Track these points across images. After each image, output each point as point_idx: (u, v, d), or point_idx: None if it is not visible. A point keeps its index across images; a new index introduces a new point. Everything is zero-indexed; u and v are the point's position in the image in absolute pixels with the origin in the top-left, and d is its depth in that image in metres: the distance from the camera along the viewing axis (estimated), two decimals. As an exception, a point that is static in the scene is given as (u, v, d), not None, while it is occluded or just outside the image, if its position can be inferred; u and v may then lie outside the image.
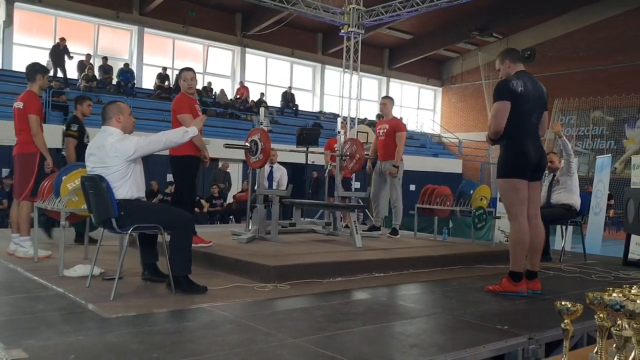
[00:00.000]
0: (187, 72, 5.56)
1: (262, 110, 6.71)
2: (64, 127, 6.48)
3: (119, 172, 3.82)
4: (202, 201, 13.48)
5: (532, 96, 4.32)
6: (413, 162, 18.59)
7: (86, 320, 3.24)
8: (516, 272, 4.36)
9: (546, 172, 6.89)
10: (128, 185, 3.86)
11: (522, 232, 4.31)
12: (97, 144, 3.89)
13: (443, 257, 5.78)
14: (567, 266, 6.08)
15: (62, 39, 16.09)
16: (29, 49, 17.07)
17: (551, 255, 6.54)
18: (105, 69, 17.12)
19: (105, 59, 17.40)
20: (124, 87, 16.92)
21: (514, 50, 4.64)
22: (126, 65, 17.72)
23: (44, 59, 16.37)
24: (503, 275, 4.44)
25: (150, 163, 13.18)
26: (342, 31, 14.38)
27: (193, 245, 5.38)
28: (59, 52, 15.87)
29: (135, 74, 18.00)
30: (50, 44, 17.59)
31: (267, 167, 8.52)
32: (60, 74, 15.85)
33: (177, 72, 18.73)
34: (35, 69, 5.36)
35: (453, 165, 22.22)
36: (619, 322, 2.09)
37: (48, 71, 5.46)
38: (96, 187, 3.80)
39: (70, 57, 16.13)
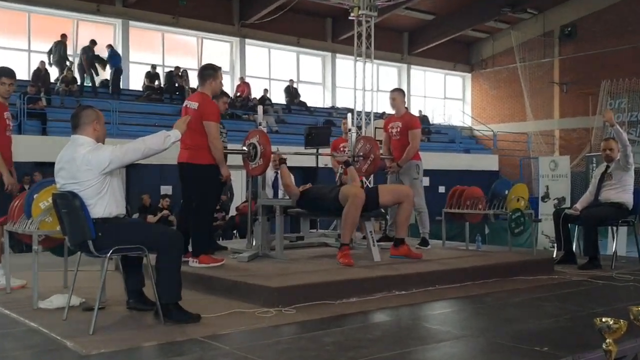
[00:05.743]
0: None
1: (260, 108, 6.71)
2: None
3: (93, 188, 3.81)
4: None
5: None
6: (441, 160, 18.46)
7: (61, 359, 3.23)
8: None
9: (604, 163, 6.76)
10: (105, 202, 3.86)
11: None
12: (66, 157, 3.89)
13: (474, 269, 5.70)
14: (620, 274, 5.97)
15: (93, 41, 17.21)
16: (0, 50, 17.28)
17: (600, 261, 6.43)
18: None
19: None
20: (114, 83, 17.36)
21: None
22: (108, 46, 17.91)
23: (17, 60, 16.63)
24: (545, 288, 4.41)
25: (143, 173, 13.32)
26: (352, 14, 14.34)
27: (205, 265, 5.40)
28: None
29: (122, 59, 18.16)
30: (24, 45, 17.79)
31: (271, 173, 8.44)
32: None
33: (167, 69, 18.99)
34: None
35: (488, 162, 22.07)
36: (671, 341, 2.02)
37: (8, 75, 5.40)
38: (69, 205, 3.80)
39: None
